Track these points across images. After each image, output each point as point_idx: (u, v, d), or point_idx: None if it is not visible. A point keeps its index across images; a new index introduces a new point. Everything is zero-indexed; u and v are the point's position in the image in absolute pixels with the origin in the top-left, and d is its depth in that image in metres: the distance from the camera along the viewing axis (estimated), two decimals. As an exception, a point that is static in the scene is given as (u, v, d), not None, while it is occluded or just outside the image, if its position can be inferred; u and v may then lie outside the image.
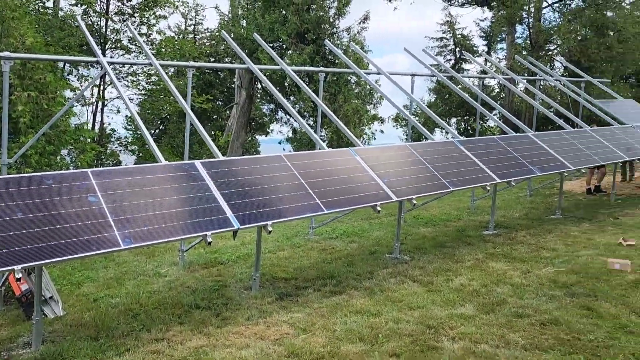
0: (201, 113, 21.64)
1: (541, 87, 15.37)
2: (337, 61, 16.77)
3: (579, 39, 18.25)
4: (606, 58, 18.03)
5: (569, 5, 20.54)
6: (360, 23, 19.28)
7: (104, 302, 5.66)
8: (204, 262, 7.29)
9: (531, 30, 21.18)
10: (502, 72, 13.18)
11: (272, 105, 21.67)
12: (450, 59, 37.87)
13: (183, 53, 19.67)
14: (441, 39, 39.92)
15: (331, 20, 18.22)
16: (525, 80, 12.97)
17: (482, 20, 34.01)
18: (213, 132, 21.08)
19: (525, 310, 4.82)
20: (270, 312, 5.13)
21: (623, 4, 19.84)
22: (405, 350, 4.07)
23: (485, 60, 31.78)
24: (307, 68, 10.74)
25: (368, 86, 19.13)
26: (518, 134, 9.39)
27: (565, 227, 8.82)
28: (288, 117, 20.98)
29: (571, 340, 4.10)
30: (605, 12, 18.65)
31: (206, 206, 5.01)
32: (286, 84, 17.71)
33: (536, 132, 9.75)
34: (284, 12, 17.57)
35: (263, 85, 17.02)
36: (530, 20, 21.71)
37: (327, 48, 12.81)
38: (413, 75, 10.27)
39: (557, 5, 22.13)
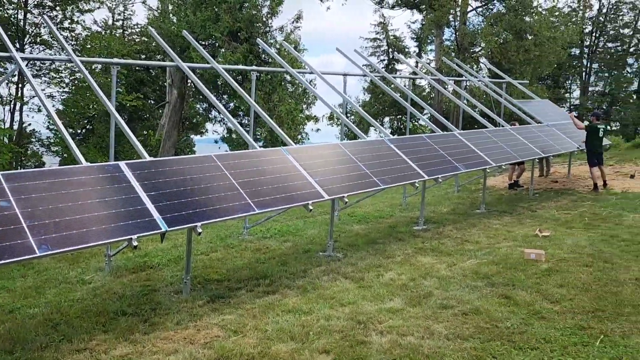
0: (132, 112, 20.89)
1: (467, 87, 16.05)
2: (271, 60, 16.73)
3: (500, 42, 19.22)
4: (524, 60, 19.11)
5: (492, 9, 21.58)
6: (293, 22, 19.34)
7: (20, 313, 5.34)
8: (133, 266, 7.05)
9: (457, 33, 22.08)
10: (431, 73, 13.65)
11: (205, 104, 21.26)
12: (383, 59, 38.77)
13: (110, 50, 18.90)
14: (375, 39, 40.72)
15: (264, 19, 18.16)
16: (452, 82, 13.51)
17: (413, 23, 35.04)
18: (145, 132, 20.43)
19: (450, 302, 5.03)
20: (200, 315, 5.05)
21: (539, 9, 21.07)
22: (335, 347, 4.14)
23: (417, 62, 32.83)
24: (238, 67, 10.60)
25: (302, 86, 19.22)
26: (445, 133, 9.76)
27: (488, 220, 9.27)
28: (222, 116, 20.69)
29: (490, 328, 4.33)
30: (523, 17, 19.73)
31: (132, 209, 4.86)
32: (219, 82, 17.44)
33: (461, 131, 10.18)
34: (216, 9, 17.30)
35: (195, 84, 16.70)
36: (456, 23, 22.62)
37: (260, 47, 12.70)
38: (345, 75, 10.42)
39: (480, 9, 23.19)
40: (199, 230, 5.07)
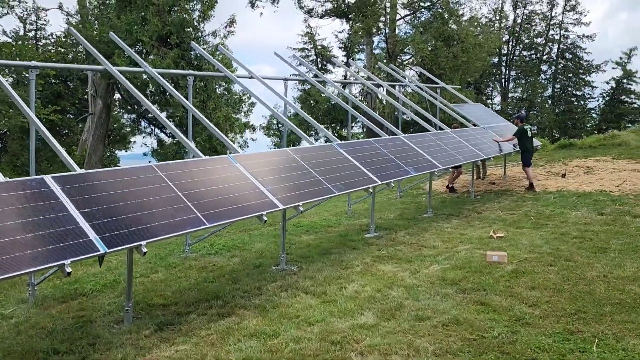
0: (49, 127, 19.28)
1: (403, 93, 16.14)
2: (204, 67, 15.97)
3: (430, 49, 19.64)
4: (454, 67, 19.61)
5: (420, 18, 22.06)
6: (226, 27, 18.68)
7: None
8: (62, 295, 6.21)
9: (388, 41, 22.35)
10: (368, 78, 13.55)
11: (133, 115, 19.90)
12: (311, 69, 38.89)
13: (23, 59, 17.34)
14: (303, 49, 40.74)
15: (195, 23, 17.38)
16: (386, 87, 13.46)
17: (340, 32, 35.31)
18: (65, 148, 18.89)
19: (425, 312, 4.71)
20: (149, 348, 4.40)
21: (461, 20, 21.80)
22: (311, 373, 3.68)
23: (346, 72, 32.99)
24: (174, 71, 9.85)
25: (238, 94, 18.60)
26: (391, 137, 9.58)
27: (438, 224, 9.16)
28: (152, 127, 19.51)
29: (477, 339, 4.04)
30: (450, 25, 20.30)
31: (62, 229, 4.15)
32: (148, 91, 16.43)
33: (406, 135, 10.06)
34: (142, 13, 16.31)
35: (122, 93, 15.57)
36: (386, 31, 22.91)
37: (192, 53, 12.03)
38: (286, 79, 10.02)
39: (408, 18, 23.67)
40: (144, 249, 4.43)
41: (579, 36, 43.58)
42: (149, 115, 18.14)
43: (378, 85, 13.47)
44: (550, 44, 43.67)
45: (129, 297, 5.18)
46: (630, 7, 68.81)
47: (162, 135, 19.29)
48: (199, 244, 8.37)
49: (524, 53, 43.63)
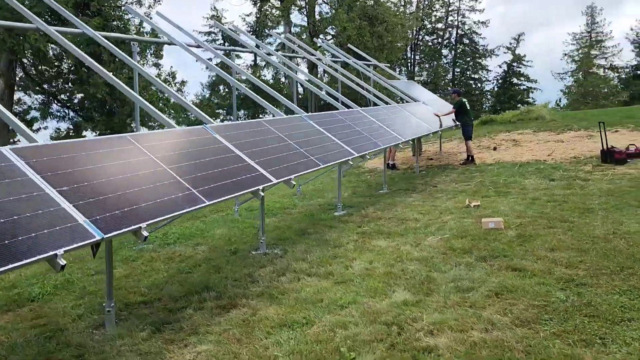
0: None
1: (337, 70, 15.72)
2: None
3: (356, 28, 19.45)
4: (378, 46, 19.59)
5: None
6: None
7: None
8: (4, 303, 5.06)
9: (309, 21, 21.85)
10: (309, 52, 12.91)
11: (42, 96, 16.96)
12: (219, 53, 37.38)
13: None
14: (209, 33, 39.03)
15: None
16: (330, 61, 12.97)
17: (248, 15, 34.00)
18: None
19: (463, 283, 4.33)
20: (157, 353, 3.59)
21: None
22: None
23: (255, 55, 32.12)
24: (116, 35, 8.28)
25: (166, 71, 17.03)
26: (352, 109, 9.15)
27: (401, 198, 8.90)
28: (66, 110, 17.07)
29: (547, 305, 3.72)
30: (373, 5, 20.24)
31: (42, 212, 3.20)
32: (64, 68, 14.38)
33: (364, 108, 9.67)
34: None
35: (29, 70, 13.55)
36: (306, 11, 22.39)
37: (114, 22, 10.61)
38: (231, 50, 9.17)
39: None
40: (145, 233, 3.59)
41: (474, 22, 46.16)
42: (61, 96, 15.94)
43: (318, 59, 12.92)
44: (450, 29, 45.80)
45: (110, 296, 4.26)
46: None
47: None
48: (151, 235, 7.38)
49: (427, 38, 45.40)
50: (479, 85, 47.11)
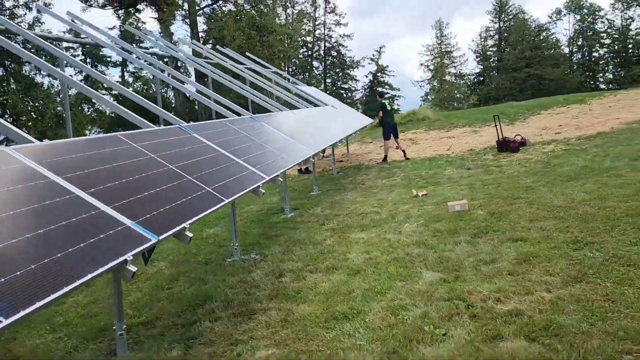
0: None
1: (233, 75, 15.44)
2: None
3: (245, 38, 19.32)
4: (269, 55, 19.67)
5: (223, 7, 21.50)
6: None
7: None
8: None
9: (193, 32, 21.21)
10: (205, 57, 12.43)
11: None
12: (83, 67, 34.49)
13: None
14: (67, 49, 35.90)
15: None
16: (231, 66, 12.65)
17: (111, 29, 31.66)
18: None
19: (481, 257, 4.50)
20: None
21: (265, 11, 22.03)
22: (478, 339, 3.13)
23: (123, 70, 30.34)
24: None
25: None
26: (242, 117, 8.96)
27: (340, 197, 8.99)
28: None
29: (580, 262, 3.99)
30: (259, 15, 20.31)
31: (84, 216, 2.71)
32: None
33: (259, 115, 9.44)
34: None
35: None
36: (188, 22, 21.72)
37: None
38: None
39: (208, 8, 22.87)
40: (189, 234, 3.22)
41: (340, 35, 48.47)
42: None
43: (217, 65, 12.54)
44: (318, 42, 47.52)
45: (120, 318, 3.72)
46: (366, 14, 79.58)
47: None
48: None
49: (289, 54, 46.66)
50: (350, 94, 49.53)
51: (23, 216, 2.43)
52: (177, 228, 3.11)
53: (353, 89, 49.73)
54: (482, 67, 53.70)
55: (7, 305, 1.88)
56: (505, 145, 12.04)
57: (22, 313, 1.89)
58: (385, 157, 13.03)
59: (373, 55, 51.03)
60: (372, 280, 4.32)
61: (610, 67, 53.03)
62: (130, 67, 34.85)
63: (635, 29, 50.89)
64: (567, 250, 4.38)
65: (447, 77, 50.70)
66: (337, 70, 49.35)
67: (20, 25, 6.14)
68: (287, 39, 19.22)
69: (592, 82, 51.16)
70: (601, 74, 53.81)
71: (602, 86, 50.32)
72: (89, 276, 2.30)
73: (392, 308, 3.63)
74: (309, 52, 46.68)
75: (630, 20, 50.99)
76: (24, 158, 2.90)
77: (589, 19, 52.45)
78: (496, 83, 49.16)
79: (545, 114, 17.20)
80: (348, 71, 49.55)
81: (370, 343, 3.14)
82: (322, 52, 48.59)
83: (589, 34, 52.34)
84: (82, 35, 10.18)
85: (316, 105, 13.07)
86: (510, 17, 52.30)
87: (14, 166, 2.79)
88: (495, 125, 12.56)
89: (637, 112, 14.53)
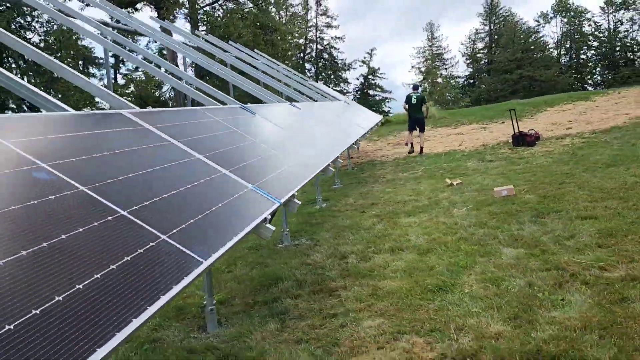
0: None
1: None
2: None
3: (251, 36, 19.29)
4: (273, 54, 19.65)
5: (225, 5, 21.43)
6: None
7: None
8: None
9: (192, 30, 21.08)
10: (211, 43, 12.27)
11: None
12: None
13: None
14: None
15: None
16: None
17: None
18: None
19: (559, 234, 4.51)
20: (335, 337, 3.15)
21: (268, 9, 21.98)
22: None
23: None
24: None
25: None
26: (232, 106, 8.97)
27: (367, 189, 8.95)
28: None
29: None
30: (260, 13, 20.27)
31: (209, 178, 2.64)
32: None
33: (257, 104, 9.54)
34: None
35: None
36: (190, 20, 21.58)
37: None
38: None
39: (208, 8, 22.75)
40: (298, 202, 3.18)
41: (332, 37, 48.57)
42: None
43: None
44: (310, 44, 47.56)
45: (210, 293, 3.65)
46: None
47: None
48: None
49: (289, 53, 46.63)
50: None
51: (174, 175, 2.37)
52: (289, 195, 3.05)
53: (345, 91, 49.78)
54: (472, 69, 54.24)
55: (206, 247, 1.82)
56: (522, 139, 12.11)
57: (220, 252, 1.84)
58: (413, 148, 13.18)
59: (364, 58, 51.22)
60: (449, 257, 4.30)
61: (598, 69, 53.93)
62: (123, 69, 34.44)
63: (624, 31, 51.88)
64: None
65: (439, 80, 51.05)
66: (329, 72, 49.41)
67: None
68: (290, 38, 19.20)
69: (580, 84, 51.95)
70: (589, 76, 54.72)
71: (590, 88, 51.15)
72: (246, 229, 2.24)
73: (489, 280, 3.62)
74: (302, 54, 46.68)
75: (619, 23, 52.01)
76: (142, 122, 2.82)
77: (576, 22, 53.32)
78: (487, 85, 49.65)
79: (552, 110, 17.39)
80: (340, 73, 49.64)
81: (484, 310, 3.12)
82: (314, 54, 48.65)
83: (576, 36, 53.19)
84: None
85: (332, 99, 13.06)
86: (501, 19, 52.94)
87: (134, 128, 2.71)
88: (512, 120, 12.65)
89: (644, 107, 14.75)
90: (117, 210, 1.76)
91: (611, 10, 52.22)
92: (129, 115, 2.78)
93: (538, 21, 53.43)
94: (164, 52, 20.99)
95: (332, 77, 49.84)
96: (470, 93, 51.80)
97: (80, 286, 1.32)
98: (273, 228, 2.48)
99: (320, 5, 48.08)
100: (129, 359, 3.24)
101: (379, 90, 52.45)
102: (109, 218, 1.69)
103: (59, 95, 21.91)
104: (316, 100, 11.49)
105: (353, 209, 7.20)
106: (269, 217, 2.52)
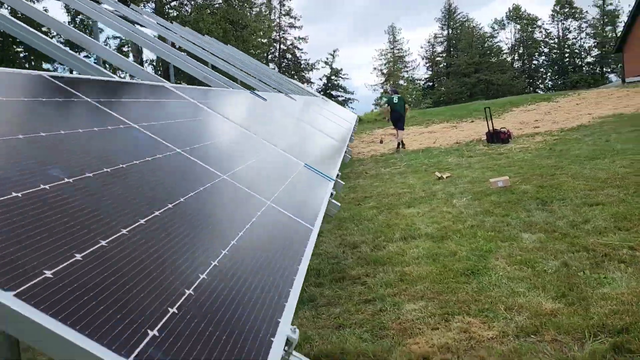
0: None
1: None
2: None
3: (221, 32, 18.96)
4: (244, 50, 19.41)
5: (194, 0, 20.99)
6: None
7: None
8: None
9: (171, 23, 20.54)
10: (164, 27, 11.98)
11: None
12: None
13: None
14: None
15: None
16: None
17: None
18: None
19: (572, 219, 4.58)
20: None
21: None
22: None
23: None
24: None
25: None
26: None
27: (354, 183, 8.90)
28: None
29: None
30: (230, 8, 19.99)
31: (276, 158, 2.53)
32: None
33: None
34: None
35: None
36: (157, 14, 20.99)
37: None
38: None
39: (176, 2, 22.26)
40: (341, 182, 3.09)
41: (295, 38, 48.51)
42: None
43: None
44: (274, 44, 47.32)
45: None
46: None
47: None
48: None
49: (252, 51, 46.27)
50: (304, 97, 49.60)
51: (244, 148, 2.24)
52: (334, 175, 2.96)
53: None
54: (431, 72, 55.38)
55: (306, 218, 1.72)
56: (496, 137, 12.39)
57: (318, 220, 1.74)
58: (402, 143, 13.51)
59: (327, 59, 51.45)
60: (469, 243, 4.31)
61: (549, 74, 56.16)
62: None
63: (572, 39, 54.24)
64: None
65: (402, 82, 51.84)
66: (292, 72, 49.33)
67: None
68: (256, 37, 19.05)
69: (532, 89, 53.93)
70: (540, 81, 56.89)
71: (541, 92, 53.19)
72: (324, 202, 2.14)
73: (520, 262, 3.64)
74: (265, 54, 46.39)
75: (567, 31, 54.32)
76: (189, 98, 2.67)
77: (528, 29, 55.35)
78: (447, 87, 50.80)
79: (518, 110, 17.92)
80: (303, 74, 49.64)
81: (529, 290, 3.12)
82: (277, 54, 48.44)
83: (529, 43, 55.21)
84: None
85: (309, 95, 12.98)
86: (458, 24, 54.30)
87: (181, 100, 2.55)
88: (487, 117, 12.92)
89: (605, 108, 15.41)
90: (218, 175, 1.63)
91: (560, 18, 54.53)
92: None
93: (493, 27, 55.21)
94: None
95: (296, 77, 49.71)
96: (431, 95, 52.88)
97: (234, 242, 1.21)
98: (339, 205, 2.39)
99: (284, 5, 47.98)
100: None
101: (341, 91, 52.80)
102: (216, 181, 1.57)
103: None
104: (286, 94, 11.39)
105: (347, 202, 7.14)
106: (333, 192, 2.43)
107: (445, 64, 53.92)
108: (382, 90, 53.67)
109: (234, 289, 1.09)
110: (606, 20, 52.29)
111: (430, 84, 56.37)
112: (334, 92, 52.30)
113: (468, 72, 48.67)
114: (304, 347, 2.89)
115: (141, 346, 0.72)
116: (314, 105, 8.87)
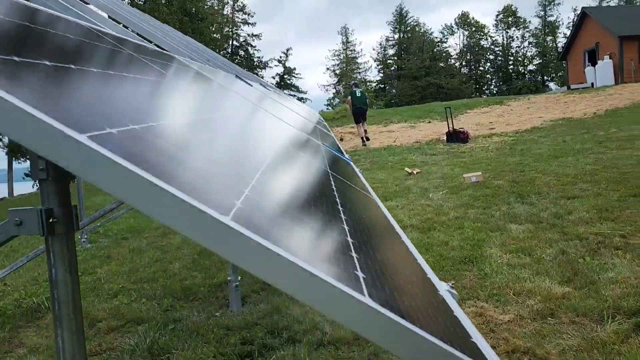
0: None
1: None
2: None
3: (178, 24, 18.44)
4: (202, 43, 18.99)
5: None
6: None
7: None
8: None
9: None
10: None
11: None
12: None
13: None
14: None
15: None
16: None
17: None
18: None
19: (557, 210, 4.70)
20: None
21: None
22: None
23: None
24: None
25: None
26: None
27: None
28: None
29: None
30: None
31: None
32: None
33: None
34: None
35: None
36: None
37: None
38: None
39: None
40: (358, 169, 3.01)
41: (248, 35, 47.95)
42: None
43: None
44: (228, 39, 46.56)
45: (235, 269, 3.37)
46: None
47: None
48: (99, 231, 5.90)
49: (211, 46, 45.33)
50: (257, 95, 49.00)
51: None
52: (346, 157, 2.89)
53: (261, 89, 49.43)
54: (383, 74, 56.21)
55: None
56: (456, 136, 12.70)
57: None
58: (363, 139, 13.68)
59: (280, 57, 51.20)
60: (458, 234, 4.34)
61: (494, 80, 58.32)
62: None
63: (516, 47, 56.59)
64: (635, 200, 4.71)
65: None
66: (245, 69, 48.70)
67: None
68: (218, 28, 18.60)
69: (478, 94, 55.85)
70: (486, 87, 58.97)
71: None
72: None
73: (516, 250, 3.70)
74: (217, 50, 45.54)
75: (511, 39, 56.61)
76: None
77: (476, 36, 57.26)
78: (398, 90, 51.72)
79: (472, 112, 18.44)
80: (256, 71, 49.05)
81: (534, 276, 3.16)
82: (230, 50, 47.66)
83: (476, 49, 57.10)
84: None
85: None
86: (409, 28, 55.41)
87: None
88: (447, 117, 13.20)
89: (554, 112, 16.12)
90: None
91: (504, 27, 56.76)
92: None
93: (443, 33, 56.74)
94: None
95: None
96: (382, 97, 53.67)
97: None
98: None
99: (237, 1, 47.27)
100: (156, 340, 2.89)
101: (295, 90, 52.63)
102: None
103: None
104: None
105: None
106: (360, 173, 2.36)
107: (396, 66, 54.86)
108: (334, 92, 54.04)
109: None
110: (547, 30, 54.91)
111: (382, 85, 57.19)
112: (287, 91, 52.09)
113: (419, 75, 49.75)
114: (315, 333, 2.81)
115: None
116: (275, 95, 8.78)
